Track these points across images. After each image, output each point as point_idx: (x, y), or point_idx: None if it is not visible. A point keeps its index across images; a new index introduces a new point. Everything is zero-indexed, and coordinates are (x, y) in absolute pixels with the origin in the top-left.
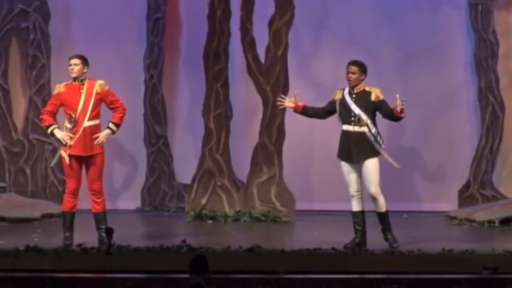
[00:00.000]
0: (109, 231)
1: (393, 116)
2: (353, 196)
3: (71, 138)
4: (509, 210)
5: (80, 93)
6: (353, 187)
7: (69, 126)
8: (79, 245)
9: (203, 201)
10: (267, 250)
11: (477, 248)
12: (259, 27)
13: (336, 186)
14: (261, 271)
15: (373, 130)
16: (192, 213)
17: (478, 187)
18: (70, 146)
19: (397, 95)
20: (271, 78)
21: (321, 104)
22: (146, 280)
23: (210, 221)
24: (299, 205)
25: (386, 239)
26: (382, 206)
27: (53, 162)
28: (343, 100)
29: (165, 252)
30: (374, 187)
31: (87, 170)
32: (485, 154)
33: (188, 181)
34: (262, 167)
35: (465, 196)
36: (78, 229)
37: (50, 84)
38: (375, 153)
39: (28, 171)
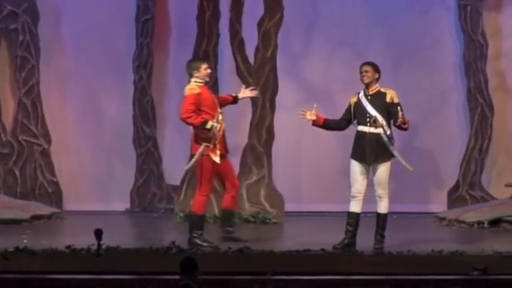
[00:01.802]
0: (98, 233)
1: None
2: (354, 197)
3: (216, 138)
4: (498, 211)
5: (212, 93)
6: (357, 188)
7: (216, 124)
8: (68, 247)
9: (192, 202)
10: (256, 251)
11: (467, 249)
12: (248, 28)
13: (325, 187)
14: (250, 272)
15: (388, 132)
16: (181, 214)
17: (467, 188)
18: (216, 146)
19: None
20: (261, 79)
21: (310, 105)
22: (135, 281)
23: None
24: (288, 206)
25: (374, 241)
26: (385, 207)
27: (188, 167)
28: (358, 102)
29: (155, 253)
30: (382, 188)
31: (225, 168)
32: (474, 155)
33: (177, 182)
34: (251, 168)
35: (455, 197)
36: (68, 231)
37: (39, 86)
38: (389, 155)
39: (17, 172)
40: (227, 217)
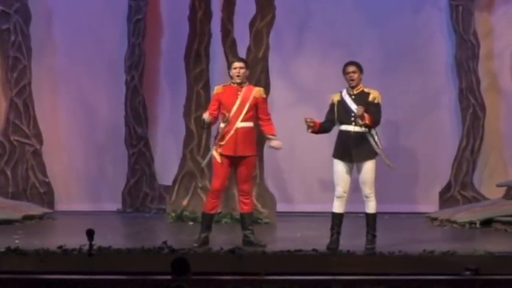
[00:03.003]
0: (90, 233)
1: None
2: (339, 197)
3: (222, 138)
4: (490, 211)
5: (237, 95)
6: (342, 188)
7: (222, 125)
8: (60, 247)
9: (184, 202)
10: (248, 251)
11: (458, 249)
12: (240, 28)
13: (317, 187)
14: (242, 273)
15: (373, 131)
16: (173, 214)
17: (459, 188)
18: (221, 146)
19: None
20: (252, 79)
21: (303, 105)
22: (127, 281)
23: (191, 223)
24: (280, 207)
25: (366, 241)
26: (374, 207)
27: (204, 163)
28: (342, 101)
29: (146, 253)
30: (369, 188)
31: (237, 171)
32: (466, 155)
33: (169, 182)
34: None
35: (446, 197)
36: (59, 232)
37: (31, 86)
38: (373, 154)
39: (9, 172)
40: (241, 220)
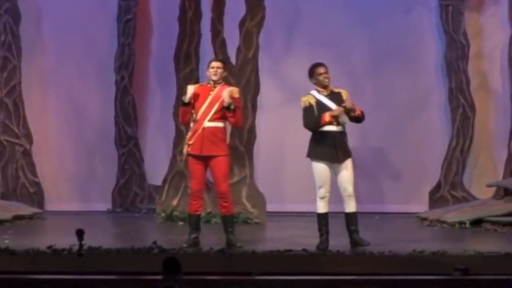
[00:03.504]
0: (80, 233)
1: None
2: (323, 198)
3: (190, 137)
4: (480, 211)
5: (209, 94)
6: (326, 189)
7: (191, 125)
8: (49, 247)
9: (174, 202)
10: (238, 251)
11: (448, 249)
12: (230, 28)
13: (307, 187)
14: (232, 273)
15: (345, 130)
16: (163, 214)
17: (449, 188)
18: (189, 145)
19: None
20: (242, 79)
21: (293, 105)
22: (117, 281)
23: (181, 223)
24: (270, 207)
25: (355, 240)
26: (355, 206)
27: (182, 160)
28: (319, 103)
29: (136, 253)
30: (351, 186)
31: (212, 172)
32: (456, 155)
33: (159, 182)
34: (233, 169)
35: (436, 197)
36: (49, 232)
37: (21, 86)
38: (350, 152)
39: None
40: (222, 222)
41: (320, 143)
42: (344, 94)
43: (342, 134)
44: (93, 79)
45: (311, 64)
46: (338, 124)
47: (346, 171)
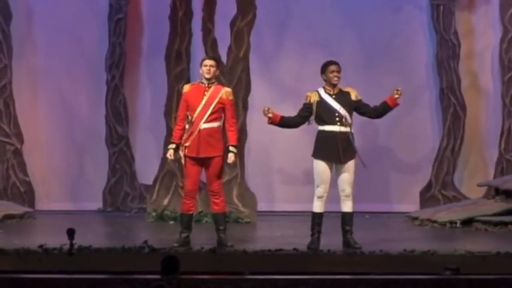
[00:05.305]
0: (71, 232)
1: (378, 111)
2: (320, 197)
3: (186, 139)
4: (471, 211)
5: (204, 95)
6: (324, 188)
7: (186, 126)
8: (40, 246)
9: (165, 202)
10: (229, 251)
11: (439, 248)
12: (221, 27)
13: (298, 187)
14: (223, 272)
15: (352, 130)
16: (154, 214)
17: (439, 188)
18: (186, 147)
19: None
20: (233, 79)
21: (283, 105)
22: (108, 280)
23: (171, 222)
24: (261, 206)
25: (348, 241)
26: (352, 206)
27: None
28: (322, 101)
29: (127, 252)
30: (351, 187)
31: (206, 171)
32: (447, 155)
33: (150, 182)
34: (223, 168)
35: (427, 197)
36: (40, 231)
37: (12, 85)
38: (354, 153)
39: None
40: (213, 220)
41: (323, 142)
42: (353, 93)
43: (346, 135)
44: (84, 79)
45: (325, 61)
46: (342, 124)
47: (348, 173)
